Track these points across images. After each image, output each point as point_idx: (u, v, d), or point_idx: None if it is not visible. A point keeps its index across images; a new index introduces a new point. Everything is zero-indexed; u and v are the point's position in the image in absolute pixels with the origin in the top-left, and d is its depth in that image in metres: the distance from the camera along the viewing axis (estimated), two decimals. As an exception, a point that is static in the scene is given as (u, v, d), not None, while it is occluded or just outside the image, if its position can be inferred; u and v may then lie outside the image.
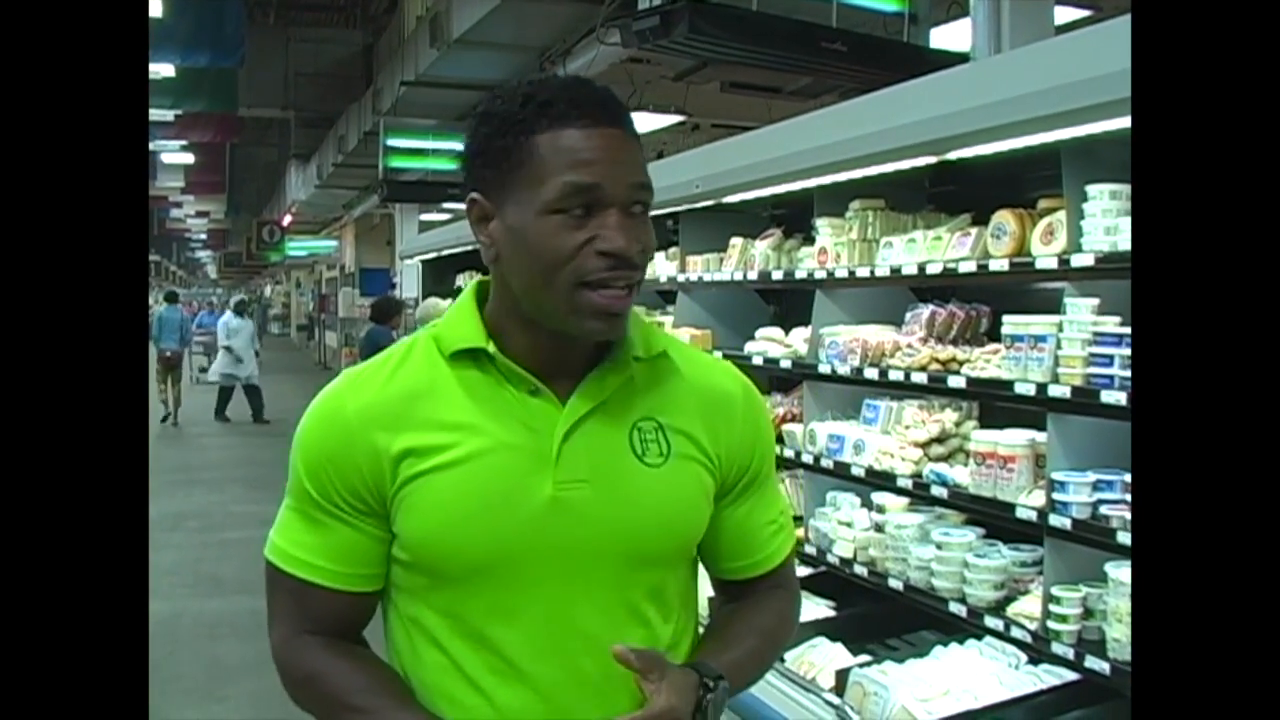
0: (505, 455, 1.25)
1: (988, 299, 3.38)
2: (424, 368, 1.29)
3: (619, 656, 1.23)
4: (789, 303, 4.35)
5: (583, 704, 1.26)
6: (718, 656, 1.34)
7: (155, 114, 13.71)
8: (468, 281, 1.38)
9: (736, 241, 4.28)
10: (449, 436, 1.24)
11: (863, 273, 3.44)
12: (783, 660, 3.36)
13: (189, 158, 18.69)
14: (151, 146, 17.33)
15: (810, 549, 3.72)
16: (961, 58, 4.24)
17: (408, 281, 14.09)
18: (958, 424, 3.26)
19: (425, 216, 16.95)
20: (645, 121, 10.75)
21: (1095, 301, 2.61)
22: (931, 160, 2.93)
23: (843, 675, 3.05)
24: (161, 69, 11.64)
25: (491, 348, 1.27)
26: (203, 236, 42.64)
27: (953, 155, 2.84)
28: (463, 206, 1.31)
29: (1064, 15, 4.06)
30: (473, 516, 1.23)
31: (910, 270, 3.21)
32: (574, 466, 1.26)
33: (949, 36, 5.23)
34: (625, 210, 1.21)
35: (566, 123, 1.20)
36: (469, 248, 7.10)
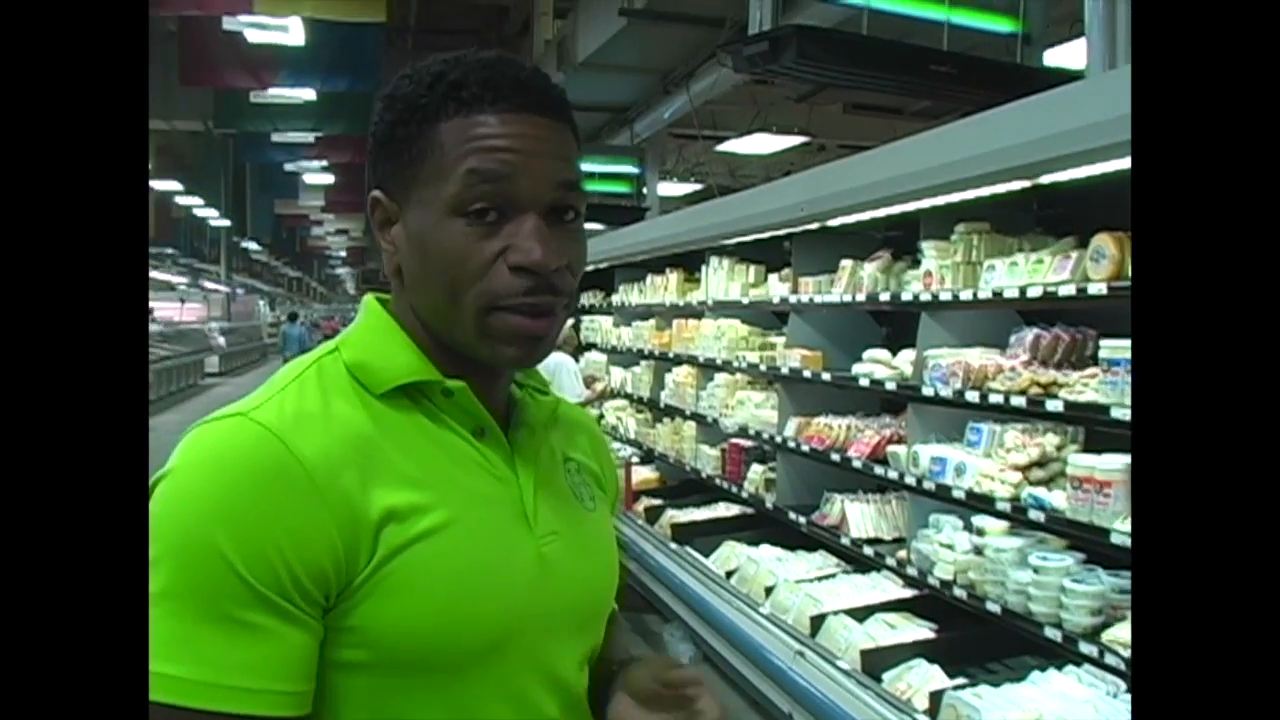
0: (486, 512, 1.02)
1: (1093, 322, 3.33)
2: (354, 405, 1.00)
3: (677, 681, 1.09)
4: (899, 324, 4.35)
5: None
6: None
7: (296, 136, 14.32)
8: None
9: (846, 263, 4.31)
10: (422, 495, 0.98)
11: (965, 295, 3.44)
12: (879, 680, 3.37)
13: (329, 178, 19.31)
14: (293, 167, 18.09)
15: (912, 570, 3.72)
16: (1076, 76, 4.19)
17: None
18: (1059, 448, 3.23)
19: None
20: (769, 142, 10.84)
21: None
22: (1027, 184, 2.93)
23: (936, 697, 3.05)
24: (303, 93, 12.16)
25: (451, 383, 1.03)
26: (342, 254, 43.97)
27: (1048, 179, 2.84)
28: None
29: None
30: (474, 592, 0.98)
31: (1012, 293, 3.20)
32: (546, 517, 1.07)
33: (1065, 56, 5.17)
34: (548, 215, 1.00)
35: (479, 107, 0.99)
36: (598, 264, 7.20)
